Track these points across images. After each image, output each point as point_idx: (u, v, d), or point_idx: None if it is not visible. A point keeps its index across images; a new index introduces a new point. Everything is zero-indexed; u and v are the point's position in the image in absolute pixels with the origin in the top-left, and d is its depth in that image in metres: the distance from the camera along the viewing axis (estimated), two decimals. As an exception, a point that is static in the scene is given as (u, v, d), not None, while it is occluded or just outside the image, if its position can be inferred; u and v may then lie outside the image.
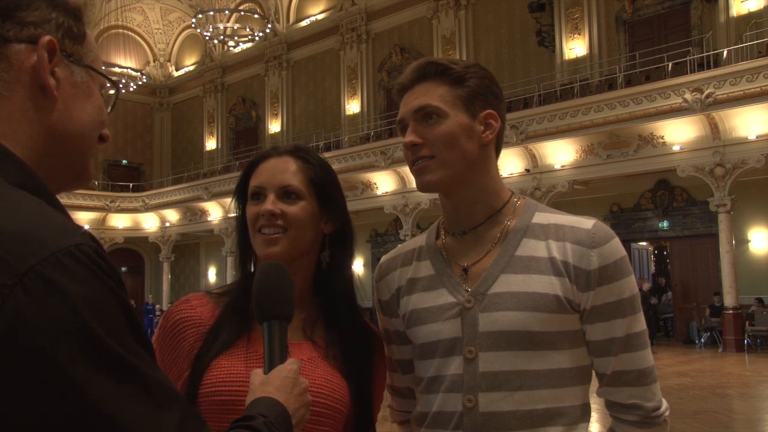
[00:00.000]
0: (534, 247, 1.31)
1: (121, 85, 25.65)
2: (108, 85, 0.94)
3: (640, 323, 1.31)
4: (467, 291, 1.32)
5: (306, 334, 1.35)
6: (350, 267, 1.44)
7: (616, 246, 1.29)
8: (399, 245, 1.54)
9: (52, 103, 0.83)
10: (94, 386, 0.67)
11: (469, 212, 1.36)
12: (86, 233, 0.75)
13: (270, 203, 1.32)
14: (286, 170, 1.35)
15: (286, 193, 1.34)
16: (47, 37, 0.82)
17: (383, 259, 1.53)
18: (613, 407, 1.33)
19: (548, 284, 1.27)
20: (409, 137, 1.32)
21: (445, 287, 1.35)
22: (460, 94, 1.32)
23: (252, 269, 1.42)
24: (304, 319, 1.36)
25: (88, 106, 0.88)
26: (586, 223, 1.31)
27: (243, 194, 1.40)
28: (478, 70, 1.36)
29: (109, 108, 0.94)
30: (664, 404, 1.33)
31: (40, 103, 0.83)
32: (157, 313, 26.78)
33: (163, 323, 1.39)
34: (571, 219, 1.33)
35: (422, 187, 1.34)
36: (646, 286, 17.54)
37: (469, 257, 1.35)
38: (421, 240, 1.47)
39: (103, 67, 0.93)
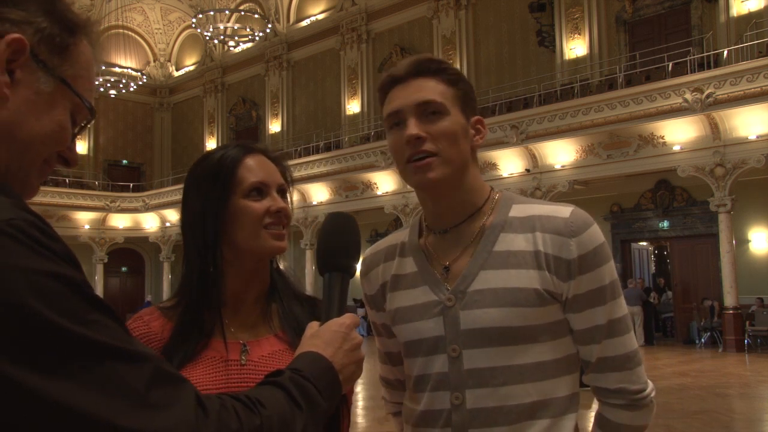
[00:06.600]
0: (512, 242, 1.30)
1: (121, 85, 25.64)
2: (87, 108, 0.88)
3: (622, 308, 1.32)
4: (448, 289, 1.32)
5: (270, 327, 1.34)
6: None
7: (594, 233, 1.29)
8: (381, 239, 1.52)
9: (2, 101, 0.79)
10: (32, 371, 0.64)
11: (452, 211, 1.36)
12: (23, 207, 0.72)
13: (281, 201, 1.34)
14: (277, 170, 1.38)
15: (282, 192, 1.37)
16: (14, 35, 0.79)
17: (367, 253, 1.52)
18: (600, 392, 1.35)
19: (527, 278, 1.27)
20: (414, 130, 1.28)
21: (427, 285, 1.35)
22: (457, 95, 1.33)
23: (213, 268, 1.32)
24: (264, 314, 1.36)
25: (46, 119, 0.83)
26: (564, 211, 1.30)
27: (226, 186, 1.32)
28: (463, 76, 1.39)
29: (76, 130, 0.88)
30: (650, 386, 1.34)
31: None
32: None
33: None
34: (549, 208, 1.32)
35: (424, 184, 1.30)
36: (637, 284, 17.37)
37: (450, 255, 1.35)
38: (403, 236, 1.45)
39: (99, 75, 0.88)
